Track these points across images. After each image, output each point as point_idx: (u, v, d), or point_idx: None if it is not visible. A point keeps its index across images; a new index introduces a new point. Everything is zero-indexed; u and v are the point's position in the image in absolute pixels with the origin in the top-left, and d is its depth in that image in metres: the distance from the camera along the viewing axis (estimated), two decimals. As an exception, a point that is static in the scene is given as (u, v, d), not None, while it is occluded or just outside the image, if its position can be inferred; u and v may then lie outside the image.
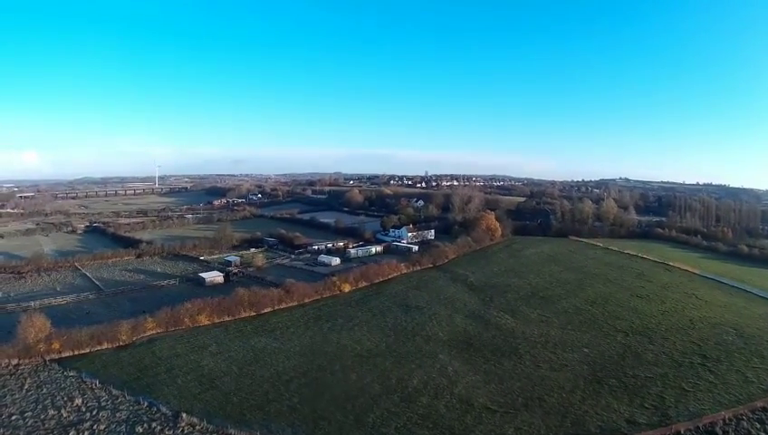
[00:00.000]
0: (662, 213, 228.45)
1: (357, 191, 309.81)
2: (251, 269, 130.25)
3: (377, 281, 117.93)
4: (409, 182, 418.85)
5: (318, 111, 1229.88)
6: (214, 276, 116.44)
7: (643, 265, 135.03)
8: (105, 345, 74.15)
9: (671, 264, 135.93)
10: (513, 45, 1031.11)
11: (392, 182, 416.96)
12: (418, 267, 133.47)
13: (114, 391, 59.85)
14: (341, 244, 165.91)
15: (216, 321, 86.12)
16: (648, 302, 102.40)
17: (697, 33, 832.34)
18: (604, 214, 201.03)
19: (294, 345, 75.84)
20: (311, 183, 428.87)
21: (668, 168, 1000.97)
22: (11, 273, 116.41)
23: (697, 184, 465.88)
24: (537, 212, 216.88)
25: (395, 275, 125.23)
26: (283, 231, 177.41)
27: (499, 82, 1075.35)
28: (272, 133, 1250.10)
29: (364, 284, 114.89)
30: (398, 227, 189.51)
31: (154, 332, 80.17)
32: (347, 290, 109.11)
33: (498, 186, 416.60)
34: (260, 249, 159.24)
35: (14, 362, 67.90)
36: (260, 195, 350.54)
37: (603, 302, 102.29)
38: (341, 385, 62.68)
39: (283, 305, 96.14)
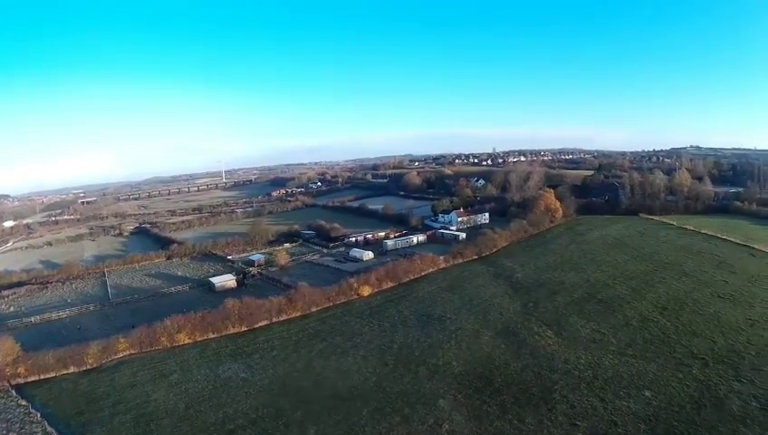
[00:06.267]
0: (738, 182, 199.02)
1: (415, 173, 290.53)
2: (273, 269, 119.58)
3: (406, 280, 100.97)
4: (476, 160, 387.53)
5: (387, 93, 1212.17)
6: (225, 281, 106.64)
7: (724, 250, 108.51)
8: (71, 369, 67.77)
9: (756, 247, 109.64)
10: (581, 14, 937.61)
11: (457, 161, 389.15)
12: (460, 260, 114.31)
13: (48, 428, 53.56)
14: (382, 234, 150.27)
15: (199, 339, 75.13)
16: (733, 305, 77.34)
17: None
18: (677, 186, 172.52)
19: (266, 377, 61.71)
20: (375, 167, 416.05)
21: (740, 133, 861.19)
22: (38, 283, 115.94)
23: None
24: (605, 187, 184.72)
25: (431, 270, 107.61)
26: (322, 222, 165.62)
27: (565, 50, 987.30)
28: (344, 121, 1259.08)
29: (390, 284, 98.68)
30: (449, 212, 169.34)
31: (127, 353, 71.43)
32: (366, 294, 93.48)
33: (567, 159, 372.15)
34: (294, 244, 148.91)
35: (-17, 386, 63.73)
36: (319, 183, 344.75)
37: (677, 307, 78.01)
38: (290, 446, 47.32)
39: (284, 317, 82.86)
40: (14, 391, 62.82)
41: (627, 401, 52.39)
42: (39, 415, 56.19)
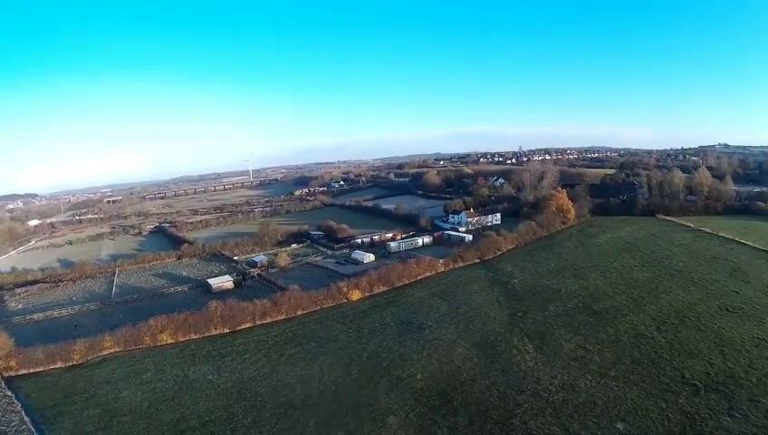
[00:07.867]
0: (763, 181, 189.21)
1: (434, 172, 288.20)
2: (274, 270, 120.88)
3: (399, 285, 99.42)
4: (500, 159, 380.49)
5: (419, 92, 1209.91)
6: (222, 282, 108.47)
7: (740, 255, 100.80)
8: (58, 364, 71.09)
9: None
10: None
11: (482, 160, 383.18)
12: (461, 264, 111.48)
13: (25, 418, 57.07)
14: (389, 235, 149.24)
15: (181, 340, 76.68)
16: (741, 321, 70.35)
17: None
18: (697, 185, 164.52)
19: (230, 380, 62.21)
20: (400, 166, 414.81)
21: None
22: (51, 282, 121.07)
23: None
24: (623, 186, 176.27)
25: (427, 274, 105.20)
26: (331, 223, 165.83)
27: (596, 48, 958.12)
28: (373, 119, 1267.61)
29: (382, 289, 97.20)
30: (460, 212, 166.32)
31: (111, 351, 74.07)
32: (355, 298, 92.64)
33: (592, 157, 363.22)
34: (302, 245, 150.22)
35: (-23, 377, 68.14)
36: (342, 182, 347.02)
37: (677, 321, 71.71)
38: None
39: (267, 320, 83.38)
40: (3, 383, 66.56)
41: (594, 432, 47.29)
42: (20, 405, 59.74)
